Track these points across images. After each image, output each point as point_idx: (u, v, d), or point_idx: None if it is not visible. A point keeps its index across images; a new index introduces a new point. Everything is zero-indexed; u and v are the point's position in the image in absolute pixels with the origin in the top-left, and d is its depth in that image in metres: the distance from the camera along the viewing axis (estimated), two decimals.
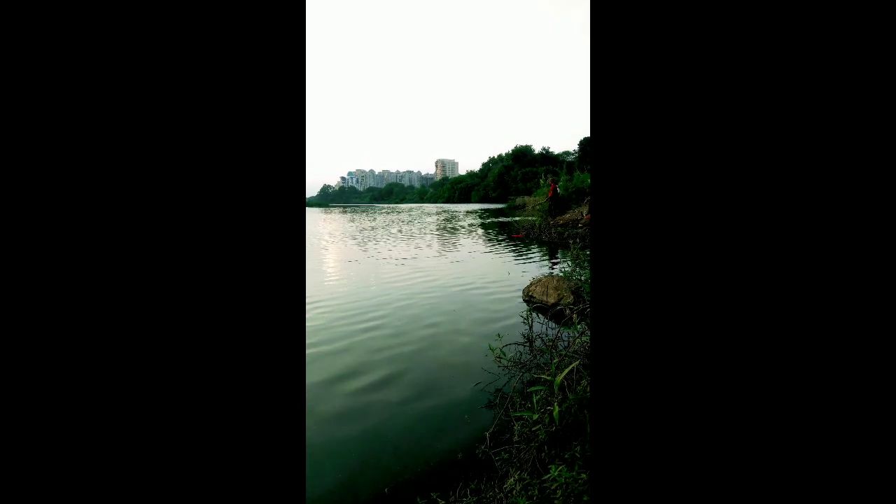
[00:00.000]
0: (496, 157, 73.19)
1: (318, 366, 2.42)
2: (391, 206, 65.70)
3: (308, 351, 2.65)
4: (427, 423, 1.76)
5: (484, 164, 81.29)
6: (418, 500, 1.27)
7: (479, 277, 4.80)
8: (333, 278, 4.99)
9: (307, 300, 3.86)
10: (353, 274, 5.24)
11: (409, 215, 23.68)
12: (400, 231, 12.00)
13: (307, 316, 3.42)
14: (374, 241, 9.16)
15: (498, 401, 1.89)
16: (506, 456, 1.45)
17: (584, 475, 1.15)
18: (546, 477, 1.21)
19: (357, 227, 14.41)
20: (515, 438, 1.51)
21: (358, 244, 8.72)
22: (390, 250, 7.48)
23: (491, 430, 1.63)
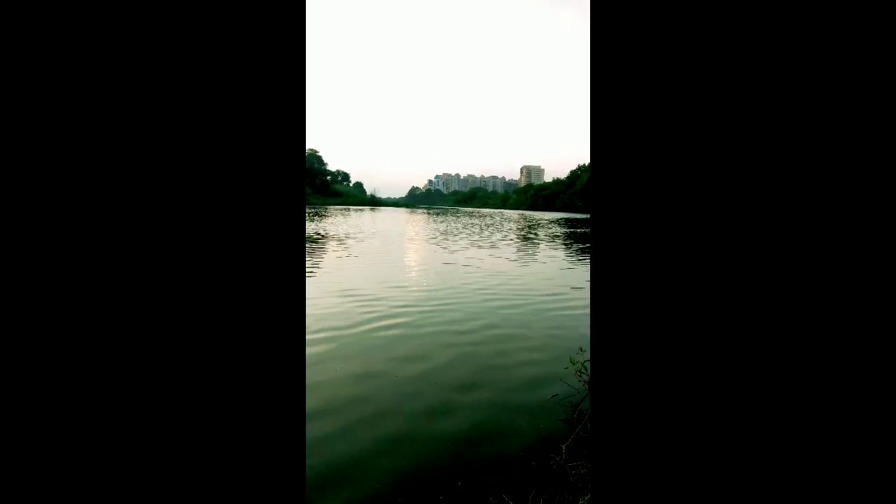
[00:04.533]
0: (585, 165, 69.62)
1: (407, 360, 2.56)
2: (472, 209, 66.38)
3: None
4: (503, 427, 1.76)
5: (572, 172, 77.86)
6: (490, 499, 1.29)
7: (555, 288, 4.63)
8: (413, 279, 5.22)
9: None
10: (433, 278, 5.42)
11: (491, 219, 23.71)
12: (482, 238, 12.08)
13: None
14: (454, 245, 9.35)
15: (576, 416, 1.82)
16: (584, 472, 1.39)
17: None
18: None
19: (439, 228, 14.84)
20: None
21: (439, 246, 8.98)
22: (466, 251, 7.58)
23: (568, 443, 1.58)
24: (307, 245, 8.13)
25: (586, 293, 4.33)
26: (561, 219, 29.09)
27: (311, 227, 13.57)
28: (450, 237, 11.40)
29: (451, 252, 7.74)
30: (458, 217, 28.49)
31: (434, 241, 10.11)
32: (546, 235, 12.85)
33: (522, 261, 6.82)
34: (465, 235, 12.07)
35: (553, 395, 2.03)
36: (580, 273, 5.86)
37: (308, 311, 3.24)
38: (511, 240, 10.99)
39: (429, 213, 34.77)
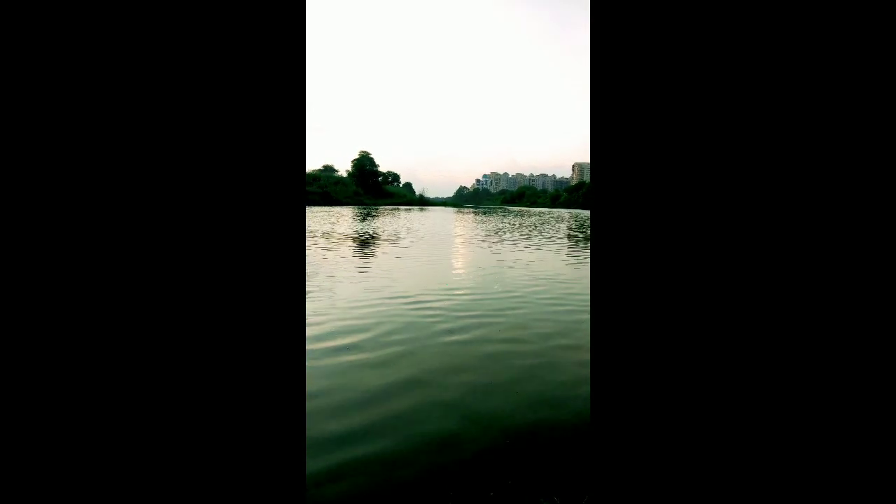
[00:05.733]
0: None
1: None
2: (521, 209, 65.07)
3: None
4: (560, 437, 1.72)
5: None
6: (542, 500, 1.28)
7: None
8: (471, 283, 5.22)
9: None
10: (493, 283, 5.38)
11: (540, 218, 23.11)
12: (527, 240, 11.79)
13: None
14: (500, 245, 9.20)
15: None
16: None
17: None
18: None
19: (487, 228, 14.70)
20: None
21: (486, 247, 8.89)
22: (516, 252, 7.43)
23: None
24: (360, 246, 8.43)
25: None
26: None
27: (362, 227, 14.05)
28: (500, 237, 11.29)
29: (505, 253, 7.65)
30: (506, 216, 28.11)
31: (485, 241, 10.06)
32: None
33: (585, 265, 6.59)
34: (514, 235, 11.90)
35: None
36: None
37: (367, 317, 3.27)
38: (565, 240, 10.67)
39: (475, 213, 34.66)
